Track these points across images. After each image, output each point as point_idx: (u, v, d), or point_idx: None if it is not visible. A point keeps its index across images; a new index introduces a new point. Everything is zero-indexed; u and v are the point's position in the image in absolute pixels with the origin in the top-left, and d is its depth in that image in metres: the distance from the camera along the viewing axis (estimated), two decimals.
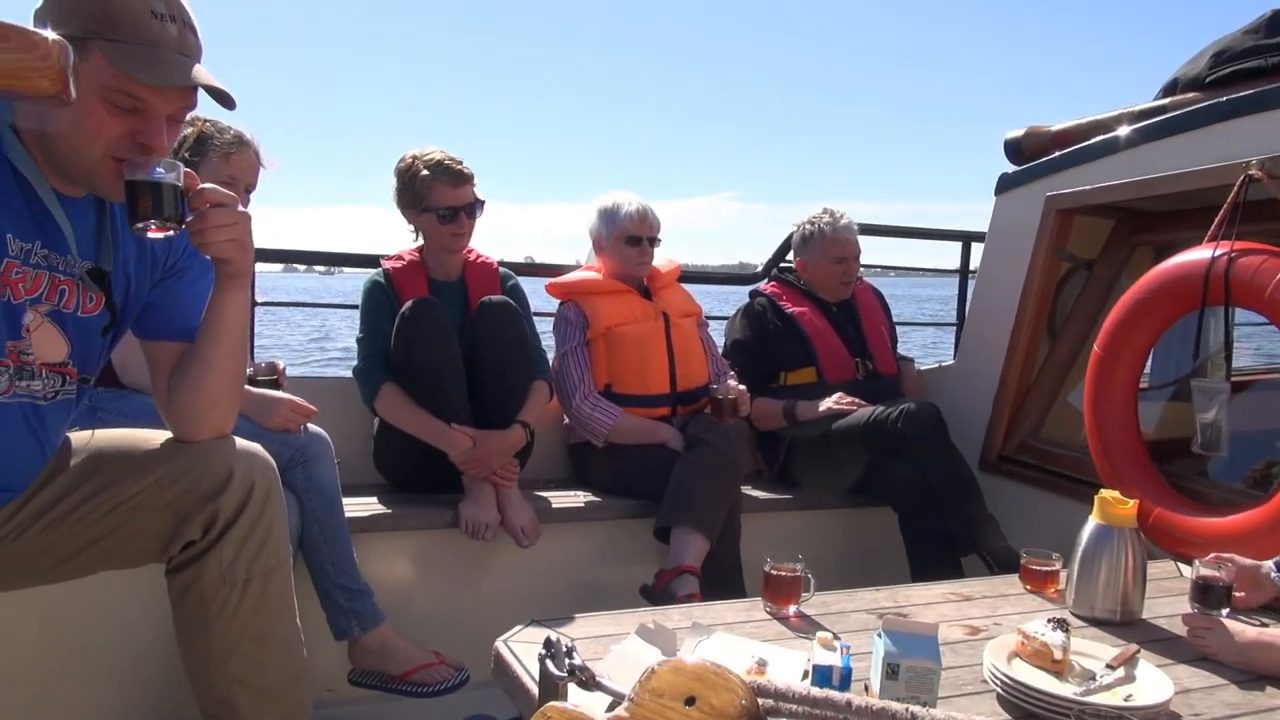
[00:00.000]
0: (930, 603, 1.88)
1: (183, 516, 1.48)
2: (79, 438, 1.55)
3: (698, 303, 3.04)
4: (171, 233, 1.34)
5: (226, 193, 1.40)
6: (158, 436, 1.55)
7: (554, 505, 2.62)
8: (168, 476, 1.48)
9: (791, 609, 1.76)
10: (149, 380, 1.61)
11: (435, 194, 2.51)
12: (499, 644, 1.57)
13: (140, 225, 1.31)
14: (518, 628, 1.63)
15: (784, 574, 1.77)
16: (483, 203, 2.58)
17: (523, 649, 1.52)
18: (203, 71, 1.33)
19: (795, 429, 2.95)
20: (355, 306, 2.62)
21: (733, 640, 1.58)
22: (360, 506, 2.41)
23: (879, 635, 1.37)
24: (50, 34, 1.02)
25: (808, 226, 3.13)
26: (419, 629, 2.26)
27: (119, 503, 1.48)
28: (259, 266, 2.98)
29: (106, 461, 1.51)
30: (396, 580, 2.41)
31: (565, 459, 2.94)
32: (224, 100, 1.37)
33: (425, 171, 2.51)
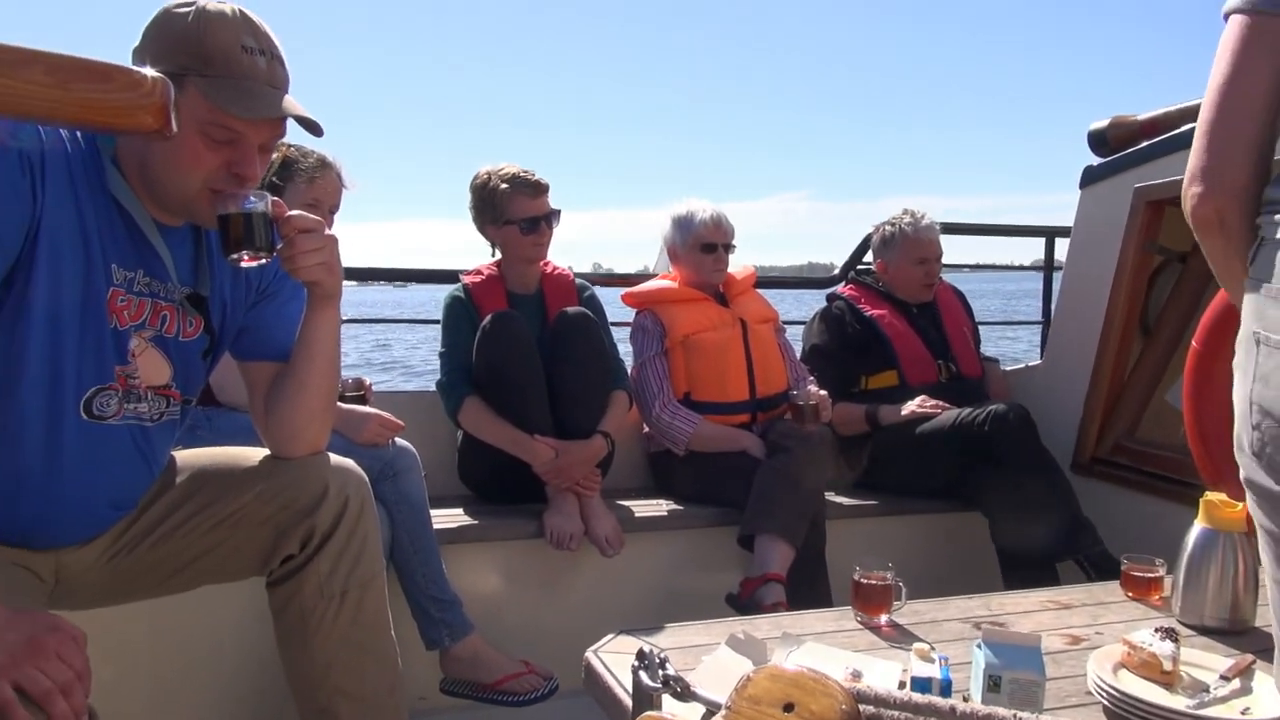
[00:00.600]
0: (1027, 611, 1.83)
1: (281, 531, 1.52)
2: (183, 456, 1.61)
3: (774, 308, 3.01)
4: (264, 261, 1.38)
5: (314, 218, 1.44)
6: (256, 454, 1.60)
7: (636, 514, 2.63)
8: (267, 493, 1.53)
9: (883, 618, 1.73)
10: (244, 399, 1.66)
11: (515, 206, 2.54)
12: (589, 654, 1.57)
13: (234, 256, 1.36)
14: (607, 638, 1.64)
15: (874, 582, 1.74)
16: (559, 212, 2.61)
17: (613, 659, 1.53)
18: (292, 102, 1.37)
19: (878, 433, 2.91)
20: (433, 321, 2.67)
21: (824, 650, 1.56)
22: (447, 518, 2.45)
23: (978, 646, 1.33)
24: (151, 72, 1.05)
25: (888, 227, 3.08)
26: (507, 638, 2.29)
27: (221, 518, 1.53)
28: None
29: (209, 479, 1.57)
30: (484, 590, 2.44)
31: (646, 468, 2.94)
32: (312, 129, 1.40)
33: (503, 185, 2.54)
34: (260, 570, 1.57)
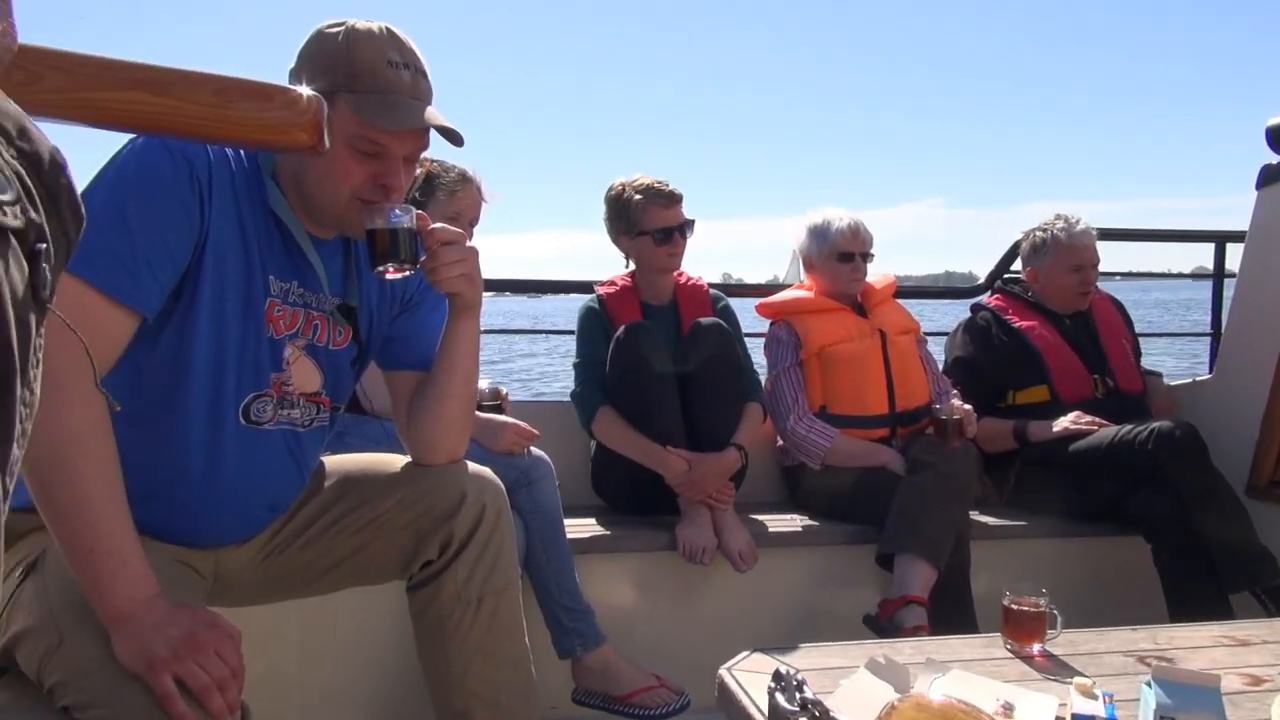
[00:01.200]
0: (1198, 646, 1.68)
1: (421, 536, 1.56)
2: (332, 461, 1.67)
3: (915, 319, 2.91)
4: (408, 273, 1.42)
5: (456, 231, 1.47)
6: (399, 461, 1.64)
7: (770, 529, 2.57)
8: (408, 498, 1.57)
9: (1036, 647, 1.63)
10: (389, 406, 1.71)
11: (649, 217, 2.55)
12: (723, 672, 1.54)
13: (380, 268, 1.40)
14: (741, 655, 1.60)
15: (1027, 608, 1.64)
16: (693, 222, 2.60)
17: (747, 678, 1.49)
18: (434, 113, 1.40)
19: (1027, 451, 2.76)
20: (568, 332, 2.70)
21: (971, 679, 1.48)
22: (580, 528, 2.46)
23: (1148, 684, 1.23)
24: (306, 90, 1.09)
25: (1039, 234, 2.93)
26: (638, 651, 2.28)
27: (365, 522, 1.58)
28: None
29: (355, 484, 1.62)
30: (616, 601, 2.43)
31: (780, 482, 2.89)
32: (453, 138, 1.44)
33: (637, 196, 2.55)
34: (402, 574, 1.61)
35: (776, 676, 1.21)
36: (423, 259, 1.44)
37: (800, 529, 2.60)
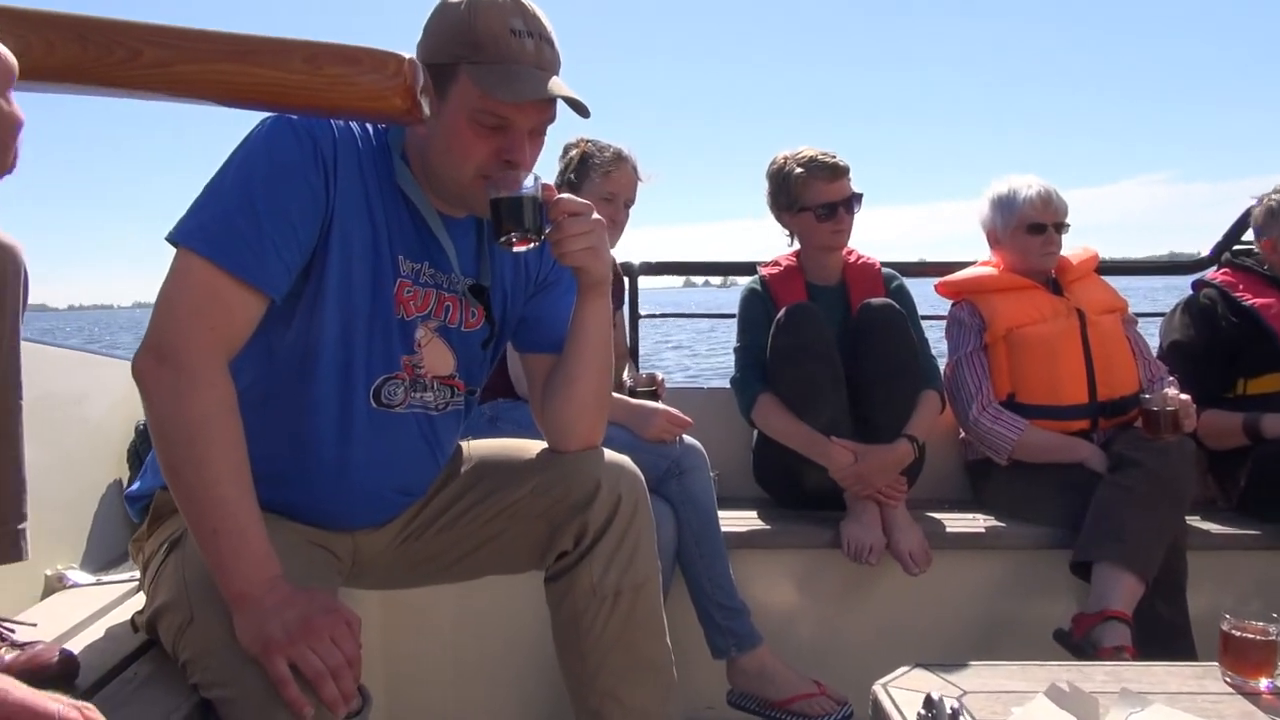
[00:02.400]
0: None
1: (556, 526, 1.50)
2: (470, 446, 1.64)
3: (1122, 297, 2.58)
4: (533, 244, 1.35)
5: (583, 202, 1.40)
6: (535, 447, 1.59)
7: (948, 529, 2.36)
8: (541, 486, 1.51)
9: (1264, 682, 1.37)
10: None
11: (811, 191, 2.38)
12: (877, 688, 1.39)
13: (504, 240, 1.34)
14: (901, 670, 1.45)
15: (1253, 635, 1.38)
16: (860, 196, 2.41)
17: (904, 696, 1.33)
18: (559, 83, 1.32)
19: (1261, 448, 2.38)
20: (730, 315, 2.58)
21: (1177, 717, 1.25)
22: (737, 521, 2.34)
23: None
24: (403, 54, 1.03)
25: (1275, 197, 2.53)
26: (796, 654, 2.14)
27: (500, 509, 1.53)
28: (659, 281, 3.09)
29: (490, 470, 1.58)
30: (774, 600, 2.30)
31: (962, 477, 2.65)
32: (579, 109, 1.36)
33: (799, 169, 2.39)
34: (538, 564, 1.56)
35: (928, 703, 1.05)
36: (548, 230, 1.37)
37: (983, 530, 2.37)
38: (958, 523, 2.40)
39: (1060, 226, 2.47)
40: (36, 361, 1.93)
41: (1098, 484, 2.21)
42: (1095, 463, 2.30)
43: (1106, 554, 2.10)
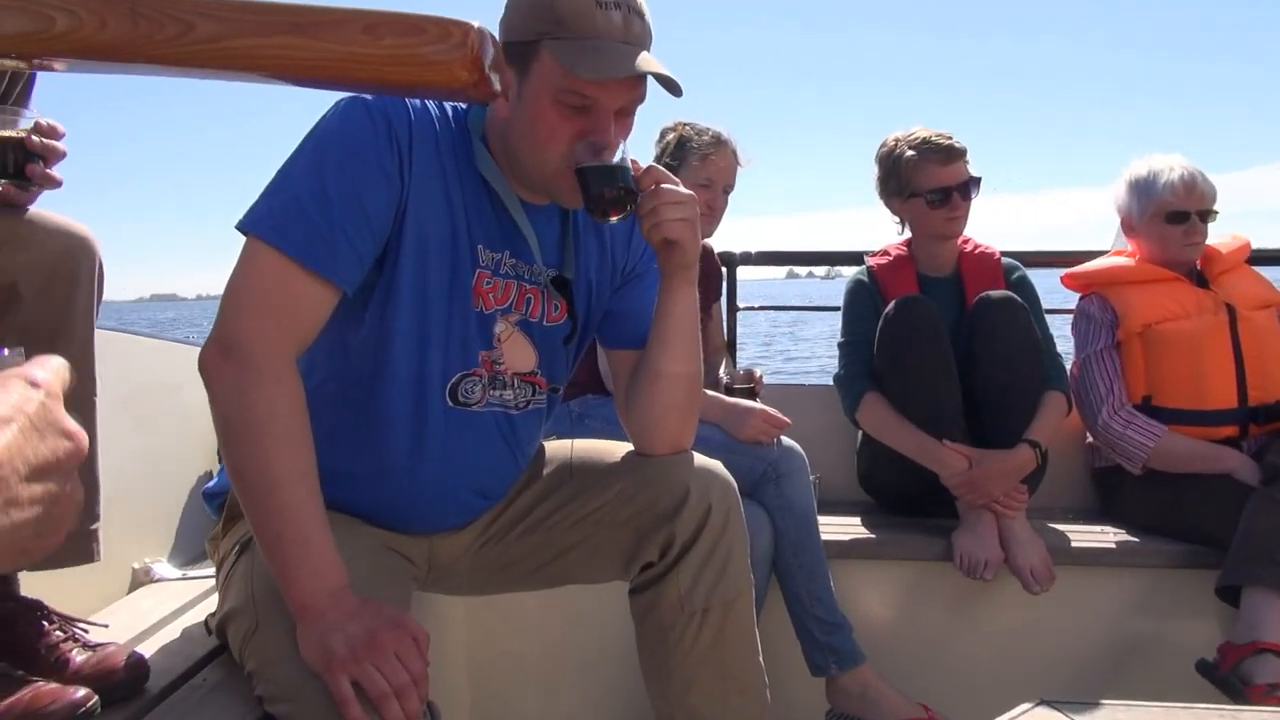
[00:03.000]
0: None
1: (642, 535, 1.40)
2: (553, 447, 1.55)
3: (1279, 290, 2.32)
4: (628, 212, 1.26)
5: (669, 174, 1.30)
6: (622, 448, 1.50)
7: (1073, 543, 2.16)
8: (627, 491, 1.42)
9: None
10: None
11: (923, 175, 2.21)
12: None
13: (596, 208, 1.24)
14: (1022, 709, 1.30)
15: None
16: (978, 180, 2.23)
17: None
18: (648, 59, 1.22)
19: None
20: (835, 309, 2.43)
21: None
22: (839, 528, 2.20)
23: None
24: (471, 22, 0.92)
25: None
26: (901, 674, 2.00)
27: (583, 515, 1.45)
28: (758, 272, 2.96)
29: (576, 472, 1.49)
30: (878, 616, 2.15)
31: (1089, 487, 2.44)
32: (671, 87, 1.26)
33: (910, 152, 2.23)
34: (623, 574, 1.46)
35: None
36: (640, 199, 1.27)
37: (1114, 545, 2.16)
38: (1084, 536, 2.20)
39: (1206, 215, 2.23)
40: (132, 351, 1.95)
41: (1248, 498, 1.99)
42: (1246, 474, 2.07)
43: (1260, 578, 1.88)
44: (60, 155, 1.31)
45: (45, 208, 1.38)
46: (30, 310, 1.30)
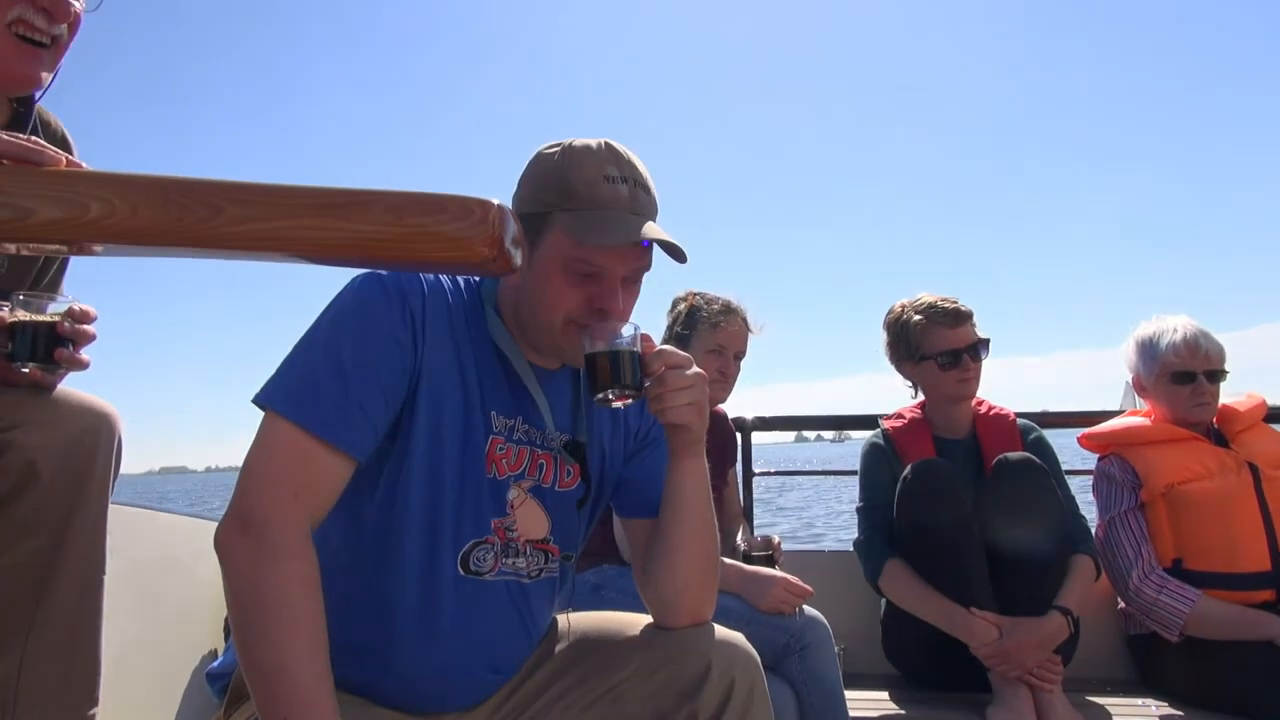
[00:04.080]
0: None
1: (662, 714, 1.33)
2: (567, 620, 1.50)
3: None
4: (631, 400, 1.27)
5: (682, 354, 1.31)
6: (639, 621, 1.44)
7: (1114, 717, 2.04)
8: (646, 667, 1.36)
9: None
10: None
11: (932, 339, 2.25)
12: None
13: (600, 396, 1.26)
14: None
15: None
16: (987, 341, 2.25)
17: None
18: (653, 227, 1.27)
19: None
20: (851, 473, 2.40)
21: None
22: (866, 703, 2.10)
23: None
24: (491, 200, 0.96)
25: None
26: None
27: (601, 693, 1.38)
28: (767, 437, 2.95)
29: (590, 649, 1.43)
30: None
31: (1124, 654, 2.34)
32: (675, 254, 1.29)
33: (918, 317, 2.26)
34: None
35: None
36: (647, 385, 1.28)
37: (1156, 718, 2.04)
38: (1126, 709, 2.09)
39: (1214, 375, 2.24)
40: (138, 525, 1.92)
41: None
42: None
43: None
44: (90, 339, 1.34)
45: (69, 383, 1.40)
46: (46, 489, 1.30)
